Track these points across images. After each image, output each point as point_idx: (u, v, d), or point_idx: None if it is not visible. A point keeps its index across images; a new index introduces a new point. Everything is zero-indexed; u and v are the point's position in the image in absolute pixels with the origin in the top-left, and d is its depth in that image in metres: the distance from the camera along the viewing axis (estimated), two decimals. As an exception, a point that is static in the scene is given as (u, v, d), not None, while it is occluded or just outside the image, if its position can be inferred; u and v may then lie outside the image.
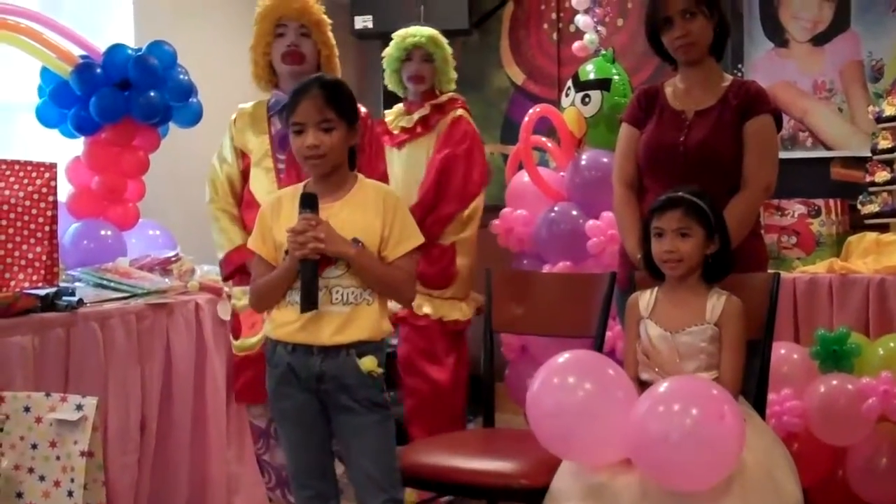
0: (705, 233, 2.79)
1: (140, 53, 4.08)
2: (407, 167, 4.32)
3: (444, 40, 4.37)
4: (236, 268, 3.59)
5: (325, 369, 2.74)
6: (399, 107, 4.53)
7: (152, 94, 4.07)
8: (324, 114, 2.72)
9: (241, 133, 3.69)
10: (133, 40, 4.66)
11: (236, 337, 3.61)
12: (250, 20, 5.51)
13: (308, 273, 2.69)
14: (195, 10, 5.27)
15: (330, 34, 3.63)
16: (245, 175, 3.65)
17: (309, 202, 2.72)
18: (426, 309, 4.14)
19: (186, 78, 4.21)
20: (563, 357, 2.63)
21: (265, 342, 2.93)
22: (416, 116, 4.33)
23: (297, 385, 2.78)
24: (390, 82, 4.49)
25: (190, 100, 4.25)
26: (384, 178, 3.69)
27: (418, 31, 4.36)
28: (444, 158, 4.20)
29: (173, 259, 3.99)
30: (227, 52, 5.37)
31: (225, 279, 3.72)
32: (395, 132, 4.40)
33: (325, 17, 3.62)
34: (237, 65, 5.35)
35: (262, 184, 3.55)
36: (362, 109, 3.84)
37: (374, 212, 2.77)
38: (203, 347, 3.78)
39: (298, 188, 2.84)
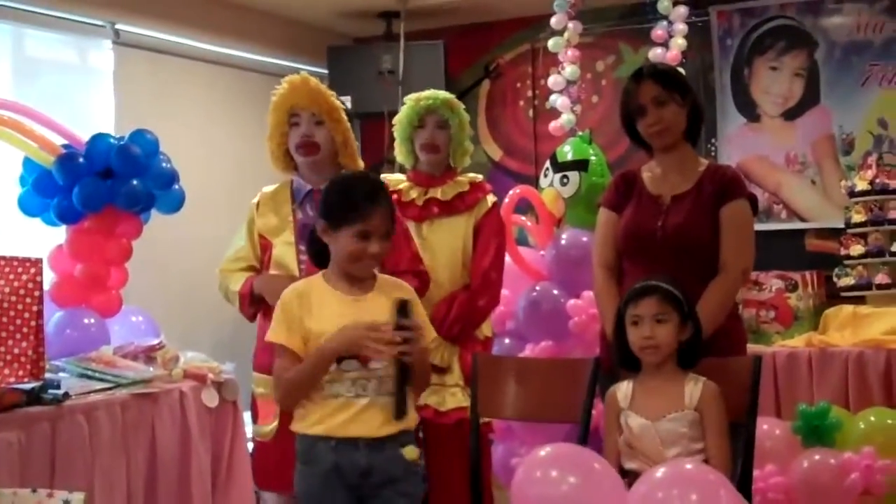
0: (680, 319, 2.84)
1: (122, 143, 4.11)
2: (438, 244, 3.89)
3: (460, 105, 3.94)
4: (251, 298, 3.51)
5: (372, 463, 2.71)
6: (399, 177, 4.05)
7: (135, 182, 4.09)
8: (387, 226, 2.78)
9: (263, 217, 3.57)
10: (114, 127, 4.71)
11: (255, 421, 3.56)
12: (231, 105, 5.66)
13: (405, 379, 2.73)
14: (176, 97, 5.34)
15: (344, 119, 3.53)
16: (262, 261, 3.58)
17: (405, 310, 2.73)
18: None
19: (169, 165, 4.24)
20: (546, 450, 2.62)
21: (299, 439, 2.82)
22: (450, 191, 3.90)
23: (339, 484, 2.73)
24: (400, 153, 4.00)
25: (172, 187, 4.28)
26: (415, 259, 3.64)
27: (432, 94, 3.89)
28: (498, 249, 3.94)
29: (157, 346, 3.99)
30: (209, 138, 5.46)
31: (251, 317, 3.59)
32: (417, 202, 3.92)
33: (337, 102, 3.53)
34: (219, 150, 5.46)
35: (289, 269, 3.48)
36: None
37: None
38: (188, 436, 3.77)
39: (316, 280, 2.83)
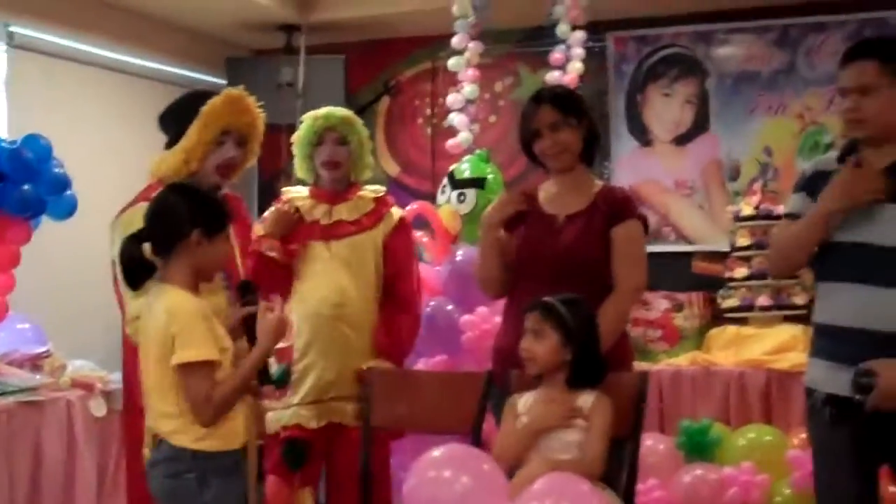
0: (560, 337, 2.88)
1: (14, 147, 4.04)
2: (348, 261, 3.80)
3: (359, 121, 3.89)
4: None
5: None
6: (301, 190, 3.93)
7: (26, 187, 4.03)
8: None
9: None
10: (6, 131, 4.62)
11: None
12: (127, 112, 5.58)
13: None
14: (71, 102, 5.25)
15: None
16: None
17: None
18: None
19: (61, 171, 4.18)
20: (439, 451, 2.67)
21: (217, 456, 2.64)
22: (355, 210, 3.85)
23: None
24: (301, 169, 3.92)
25: (65, 192, 4.21)
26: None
27: (330, 113, 3.84)
28: (417, 267, 4.00)
29: (44, 355, 3.93)
30: (104, 144, 5.38)
31: None
32: (322, 221, 3.83)
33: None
34: (113, 157, 5.38)
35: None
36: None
37: None
38: (74, 445, 3.73)
39: (186, 293, 2.65)
